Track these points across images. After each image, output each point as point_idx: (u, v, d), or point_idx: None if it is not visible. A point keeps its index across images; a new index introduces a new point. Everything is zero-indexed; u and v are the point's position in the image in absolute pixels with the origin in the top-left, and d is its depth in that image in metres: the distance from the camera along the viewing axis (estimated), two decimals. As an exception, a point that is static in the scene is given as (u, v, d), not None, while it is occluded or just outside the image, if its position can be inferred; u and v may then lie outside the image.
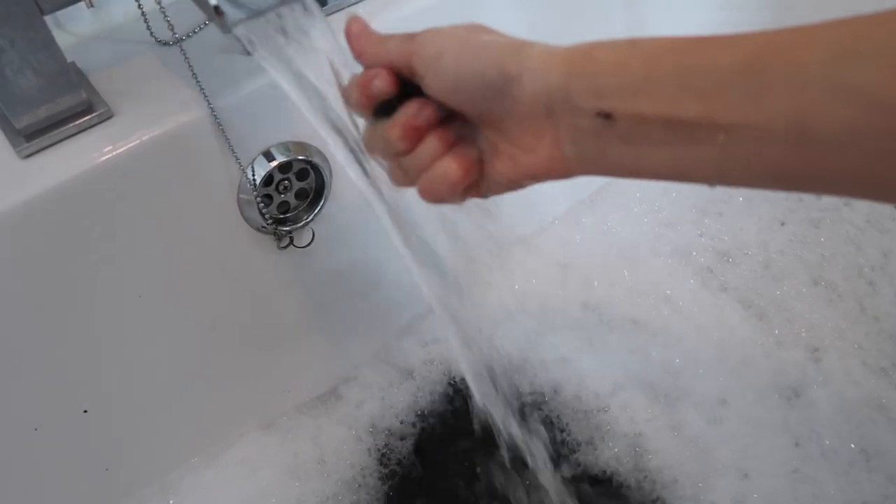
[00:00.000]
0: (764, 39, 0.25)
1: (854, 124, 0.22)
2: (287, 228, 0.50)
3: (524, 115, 0.30)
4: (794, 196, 0.69)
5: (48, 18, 0.38)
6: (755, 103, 0.24)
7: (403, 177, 0.34)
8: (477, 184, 0.33)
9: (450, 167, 0.32)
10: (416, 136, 0.32)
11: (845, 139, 0.22)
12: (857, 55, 0.22)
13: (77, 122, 0.42)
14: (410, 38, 0.32)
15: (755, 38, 0.25)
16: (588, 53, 0.28)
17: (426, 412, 0.58)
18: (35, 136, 0.41)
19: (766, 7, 0.75)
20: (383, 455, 0.56)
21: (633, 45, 0.28)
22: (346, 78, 0.35)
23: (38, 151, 0.41)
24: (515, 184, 0.32)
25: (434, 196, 0.33)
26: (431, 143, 0.32)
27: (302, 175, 0.50)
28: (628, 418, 0.56)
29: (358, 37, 0.34)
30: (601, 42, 0.29)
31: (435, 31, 0.32)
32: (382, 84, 0.32)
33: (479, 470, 0.55)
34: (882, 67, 0.21)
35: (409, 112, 0.32)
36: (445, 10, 0.51)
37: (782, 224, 0.67)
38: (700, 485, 0.52)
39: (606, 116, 0.27)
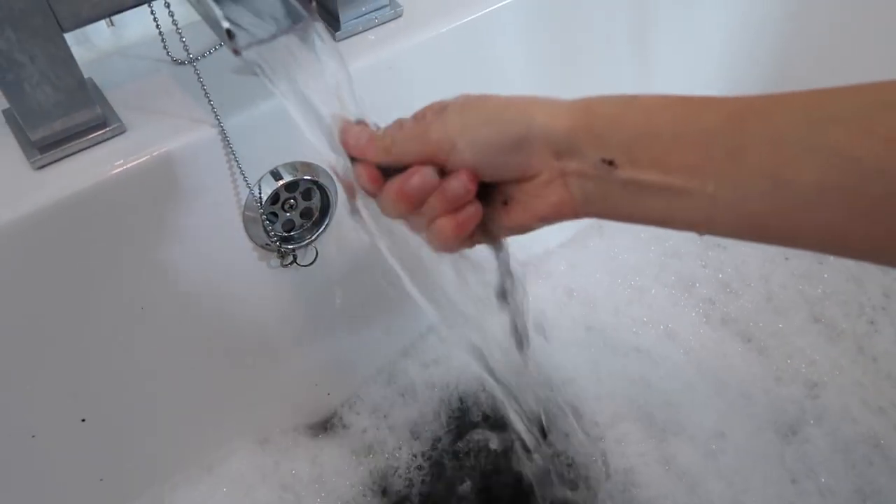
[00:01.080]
0: (746, 101, 0.27)
1: (824, 181, 0.24)
2: (291, 247, 0.51)
3: (536, 168, 0.32)
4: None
5: (68, 35, 0.40)
6: (737, 158, 0.27)
7: (414, 229, 0.36)
8: (486, 230, 0.35)
9: (445, 226, 0.34)
10: (410, 201, 0.34)
11: (816, 195, 0.25)
12: (831, 118, 0.25)
13: (91, 136, 0.43)
14: (421, 138, 0.33)
15: (739, 100, 0.28)
16: (587, 107, 0.31)
17: (426, 433, 0.58)
18: (49, 148, 0.42)
19: (777, 38, 0.76)
20: (382, 476, 0.56)
21: (631, 101, 0.30)
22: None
23: (51, 163, 0.42)
24: (526, 227, 0.34)
25: (437, 248, 0.35)
26: (429, 204, 0.34)
27: (308, 195, 0.51)
28: (622, 449, 0.56)
29: (364, 150, 0.35)
30: (600, 97, 0.31)
31: (441, 124, 0.33)
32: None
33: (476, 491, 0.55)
34: (854, 130, 0.24)
35: (401, 180, 0.33)
36: (454, 40, 0.52)
37: (786, 259, 0.68)
38: None
39: (610, 163, 0.30)
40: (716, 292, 0.65)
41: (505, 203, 0.34)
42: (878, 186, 0.23)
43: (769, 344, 0.62)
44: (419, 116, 0.35)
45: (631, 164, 0.29)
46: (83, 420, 0.49)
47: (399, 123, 0.35)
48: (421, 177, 0.33)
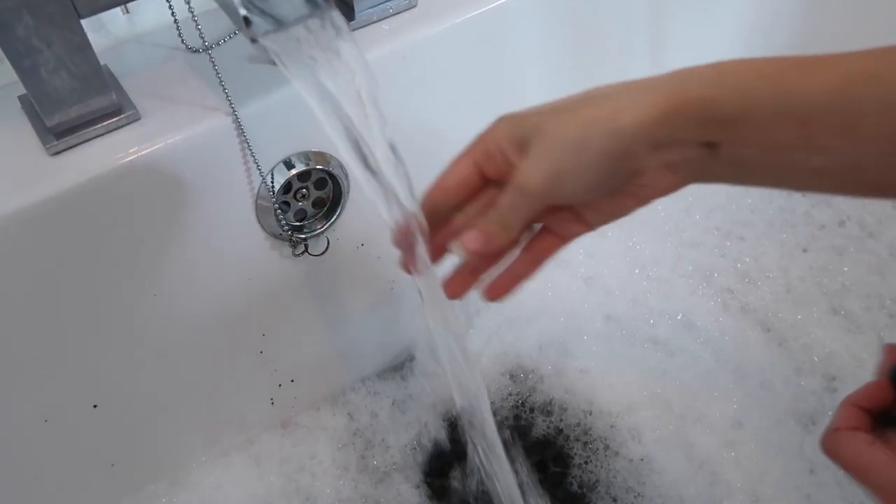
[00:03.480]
0: (851, 65, 0.26)
1: None
2: (303, 236, 0.51)
3: (641, 169, 0.31)
4: (816, 223, 0.69)
5: (84, 22, 0.40)
6: (849, 130, 0.25)
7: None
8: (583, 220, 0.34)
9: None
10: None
11: None
12: None
13: (105, 123, 0.43)
14: (526, 198, 0.32)
15: (841, 64, 0.26)
16: (677, 93, 0.29)
17: (432, 425, 0.58)
18: (64, 134, 0.42)
19: (792, 37, 0.76)
20: (387, 464, 0.56)
21: (720, 76, 0.28)
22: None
23: (66, 149, 0.42)
24: (630, 211, 0.34)
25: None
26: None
27: (320, 184, 0.51)
28: (638, 436, 0.56)
29: (487, 246, 0.33)
30: (685, 74, 0.29)
31: (532, 170, 0.31)
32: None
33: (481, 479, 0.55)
34: None
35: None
36: (469, 30, 0.52)
37: (804, 251, 0.67)
38: None
39: (712, 145, 0.29)
40: (734, 282, 0.65)
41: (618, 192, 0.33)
42: None
43: (788, 335, 0.61)
44: (494, 157, 0.33)
45: (734, 144, 0.28)
46: (95, 406, 0.49)
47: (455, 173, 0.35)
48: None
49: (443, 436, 0.58)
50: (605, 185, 0.32)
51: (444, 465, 0.56)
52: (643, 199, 0.33)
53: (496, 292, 0.36)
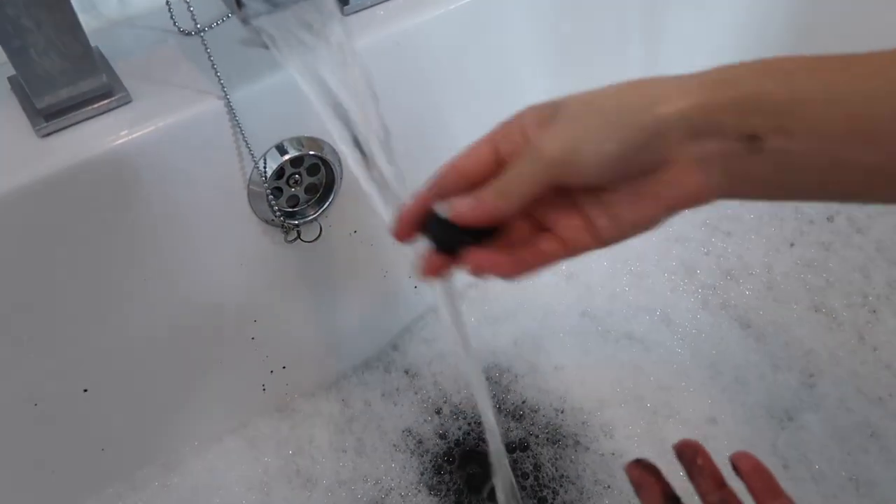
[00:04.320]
0: None
1: None
2: (295, 222, 0.51)
3: (672, 157, 0.28)
4: (804, 218, 0.69)
5: (75, 2, 0.39)
6: None
7: None
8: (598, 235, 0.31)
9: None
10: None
11: None
12: None
13: (96, 105, 0.42)
14: (535, 164, 0.29)
15: (889, 55, 0.25)
16: (722, 81, 0.27)
17: (426, 410, 0.59)
18: (54, 116, 0.42)
19: (786, 32, 0.76)
20: (383, 449, 0.56)
21: (767, 69, 0.27)
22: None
23: (56, 131, 0.42)
24: (655, 220, 0.30)
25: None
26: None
27: (313, 170, 0.51)
28: (610, 432, 0.56)
29: (480, 214, 0.30)
30: (730, 67, 0.28)
31: (553, 137, 0.29)
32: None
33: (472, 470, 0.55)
34: None
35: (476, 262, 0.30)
36: (463, 17, 0.51)
37: (791, 245, 0.67)
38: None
39: (754, 138, 0.27)
40: (717, 279, 0.65)
41: (636, 198, 0.29)
42: None
43: (767, 331, 0.62)
44: (513, 138, 0.30)
45: (781, 135, 0.26)
46: (85, 390, 0.49)
47: (476, 152, 0.31)
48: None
49: (437, 421, 0.58)
50: (626, 163, 0.28)
51: (441, 449, 0.57)
52: (664, 204, 0.29)
53: (476, 270, 0.31)
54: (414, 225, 0.32)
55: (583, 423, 0.57)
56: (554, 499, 0.53)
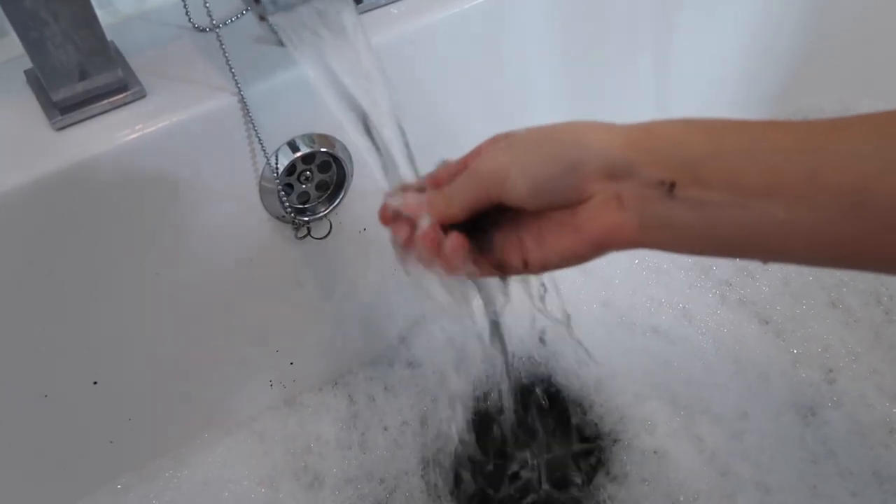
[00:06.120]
0: (817, 123, 0.26)
1: None
2: (306, 219, 0.51)
3: (590, 190, 0.31)
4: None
5: (92, -3, 0.40)
6: (814, 178, 0.25)
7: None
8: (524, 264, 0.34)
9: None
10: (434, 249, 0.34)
11: None
12: None
13: (111, 99, 0.43)
14: (473, 176, 0.33)
15: (808, 122, 0.27)
16: (647, 129, 0.30)
17: (432, 409, 0.59)
18: (70, 109, 0.42)
19: (798, 38, 0.75)
20: (386, 444, 0.56)
21: (692, 123, 0.29)
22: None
23: (71, 125, 0.42)
24: (580, 255, 0.32)
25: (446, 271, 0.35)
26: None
27: (324, 167, 0.51)
28: (651, 428, 0.56)
29: (418, 207, 0.35)
30: (659, 120, 0.30)
31: (491, 156, 0.33)
32: (460, 255, 0.34)
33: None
34: None
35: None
36: (478, 17, 0.51)
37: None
38: (724, 500, 0.52)
39: (671, 185, 0.28)
40: (732, 275, 0.66)
41: (559, 230, 0.32)
42: None
43: (786, 328, 0.62)
44: (473, 154, 0.35)
45: (697, 184, 0.28)
46: (95, 383, 0.49)
47: (446, 166, 0.36)
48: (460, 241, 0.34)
49: (444, 416, 0.58)
50: (549, 189, 0.31)
51: (448, 446, 0.57)
52: (586, 239, 0.31)
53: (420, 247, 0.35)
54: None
55: (622, 417, 0.57)
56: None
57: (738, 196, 0.27)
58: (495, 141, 0.34)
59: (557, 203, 0.32)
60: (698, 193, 0.28)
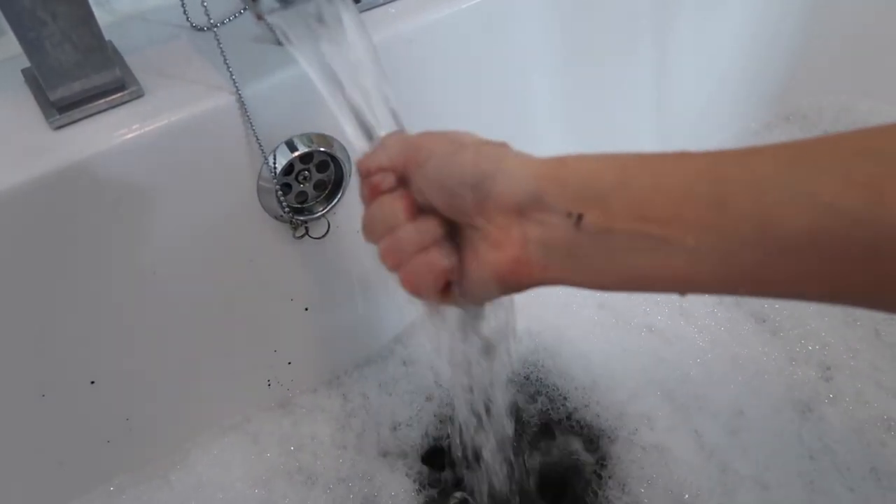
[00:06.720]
0: (724, 152, 0.27)
1: (812, 228, 0.23)
2: (304, 218, 0.51)
3: (496, 211, 0.31)
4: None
5: (90, -4, 0.40)
6: (719, 207, 0.25)
7: (391, 259, 0.35)
8: (454, 288, 0.34)
9: (434, 257, 0.33)
10: (373, 190, 0.35)
11: (805, 242, 0.24)
12: (811, 166, 0.24)
13: (109, 99, 0.43)
14: (407, 140, 0.35)
15: (716, 152, 0.27)
16: (561, 161, 0.30)
17: (432, 406, 0.59)
18: (67, 108, 0.42)
19: (797, 37, 0.76)
20: (389, 443, 0.56)
21: (607, 156, 0.29)
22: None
23: (69, 124, 0.42)
24: (487, 285, 0.32)
25: (414, 285, 0.34)
26: (416, 233, 0.33)
27: (322, 167, 0.51)
28: (652, 424, 0.56)
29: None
30: (574, 154, 0.30)
31: (426, 136, 0.34)
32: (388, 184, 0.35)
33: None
34: (835, 178, 0.23)
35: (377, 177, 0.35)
36: (476, 17, 0.51)
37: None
38: (724, 497, 0.53)
39: (578, 218, 0.28)
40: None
41: (470, 252, 0.33)
42: (865, 233, 0.22)
43: (783, 325, 0.62)
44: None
45: (605, 216, 0.28)
46: (92, 382, 0.49)
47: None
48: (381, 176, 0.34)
49: (437, 417, 0.58)
50: (456, 186, 0.31)
51: (438, 447, 0.57)
52: (490, 268, 0.31)
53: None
54: None
55: (622, 414, 0.57)
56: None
57: (643, 225, 0.27)
58: (442, 131, 0.35)
59: (460, 209, 0.32)
60: (606, 224, 0.28)
